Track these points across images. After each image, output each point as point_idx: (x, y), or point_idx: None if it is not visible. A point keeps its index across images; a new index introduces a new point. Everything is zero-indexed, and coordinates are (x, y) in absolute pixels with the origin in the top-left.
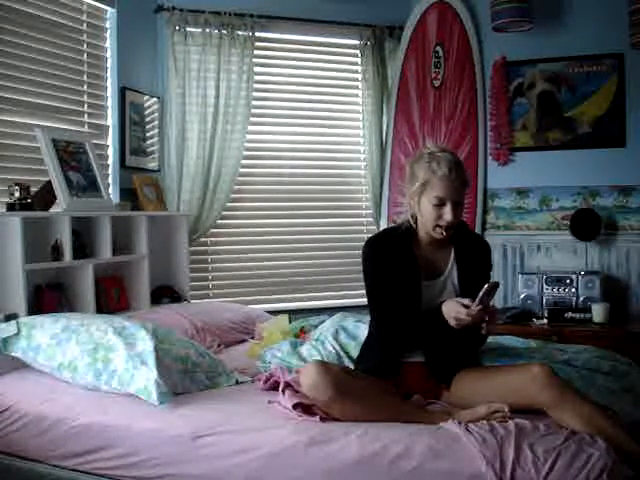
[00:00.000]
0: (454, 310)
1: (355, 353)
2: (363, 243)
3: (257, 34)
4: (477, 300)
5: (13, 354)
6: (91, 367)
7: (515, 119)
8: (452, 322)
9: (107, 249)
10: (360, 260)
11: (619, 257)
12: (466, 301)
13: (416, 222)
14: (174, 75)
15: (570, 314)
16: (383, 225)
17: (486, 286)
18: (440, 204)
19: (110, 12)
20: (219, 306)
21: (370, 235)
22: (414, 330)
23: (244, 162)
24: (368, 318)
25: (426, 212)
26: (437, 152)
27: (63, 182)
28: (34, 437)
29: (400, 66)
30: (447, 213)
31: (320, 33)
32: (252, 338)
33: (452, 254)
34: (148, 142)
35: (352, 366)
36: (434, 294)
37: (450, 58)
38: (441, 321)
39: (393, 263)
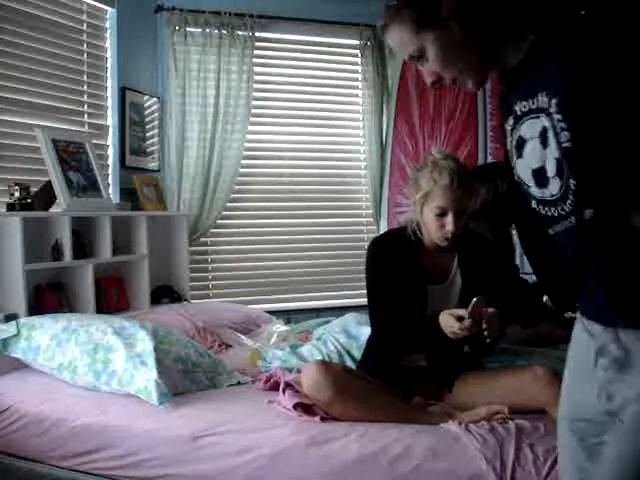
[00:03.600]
0: (449, 325)
1: (357, 353)
2: (363, 243)
3: (257, 34)
4: (467, 314)
5: (13, 355)
6: (91, 367)
7: None
8: (450, 335)
9: (107, 249)
10: (361, 260)
11: None
12: (462, 312)
13: (420, 228)
14: (174, 75)
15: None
16: (383, 225)
17: (474, 300)
18: (442, 214)
19: (110, 12)
20: (219, 306)
21: (371, 235)
22: (416, 334)
23: (244, 162)
24: None
25: (428, 221)
26: (440, 160)
27: (63, 182)
28: (34, 437)
29: (400, 66)
30: (449, 223)
31: (320, 33)
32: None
33: (455, 260)
34: (148, 142)
35: (354, 366)
36: (440, 298)
37: None
38: (440, 331)
39: (399, 264)
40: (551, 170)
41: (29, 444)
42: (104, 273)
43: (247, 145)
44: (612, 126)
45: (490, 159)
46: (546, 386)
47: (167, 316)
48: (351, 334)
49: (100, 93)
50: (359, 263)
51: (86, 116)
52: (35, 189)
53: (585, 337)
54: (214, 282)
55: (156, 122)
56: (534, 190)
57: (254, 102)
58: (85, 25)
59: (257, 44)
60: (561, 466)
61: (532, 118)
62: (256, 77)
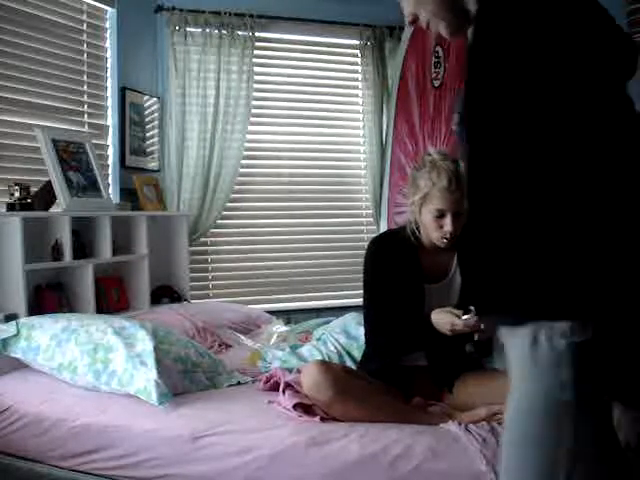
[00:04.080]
0: (449, 322)
1: (357, 353)
2: (363, 243)
3: (257, 34)
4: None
5: (13, 355)
6: (91, 368)
7: None
8: (447, 333)
9: (107, 249)
10: (361, 260)
11: None
12: (460, 313)
13: (418, 228)
14: (174, 75)
15: None
16: (383, 225)
17: None
18: (440, 216)
19: (110, 12)
20: (219, 306)
21: (371, 235)
22: (413, 334)
23: (244, 162)
24: None
25: (427, 222)
26: (438, 160)
27: (63, 182)
28: (34, 437)
29: (400, 66)
30: (447, 225)
31: (320, 33)
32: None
33: (455, 258)
34: (148, 142)
35: (354, 366)
36: (439, 297)
37: (450, 58)
38: (433, 328)
39: (397, 264)
40: None
41: (29, 444)
42: (104, 273)
43: (247, 145)
44: (497, 127)
45: None
46: None
47: (167, 316)
48: (351, 334)
49: (100, 93)
50: (359, 263)
51: (86, 116)
52: (35, 189)
53: None
54: (214, 282)
55: (156, 122)
56: None
57: (254, 102)
58: (85, 25)
59: (257, 44)
60: None
61: None
62: (256, 77)
